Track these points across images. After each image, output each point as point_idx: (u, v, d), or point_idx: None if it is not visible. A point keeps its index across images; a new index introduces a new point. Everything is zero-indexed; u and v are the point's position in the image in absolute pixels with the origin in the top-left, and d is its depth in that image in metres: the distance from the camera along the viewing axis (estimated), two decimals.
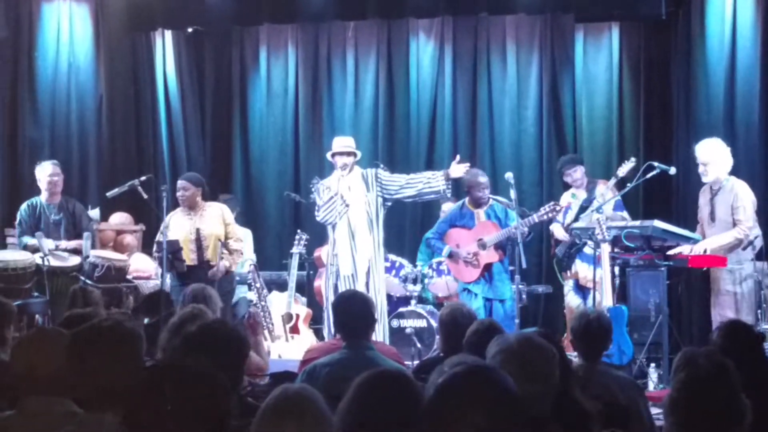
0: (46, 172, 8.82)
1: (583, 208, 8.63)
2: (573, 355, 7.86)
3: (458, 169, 8.10)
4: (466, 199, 8.77)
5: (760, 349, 4.36)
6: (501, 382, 2.65)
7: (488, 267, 8.51)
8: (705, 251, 7.73)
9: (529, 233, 8.47)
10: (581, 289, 8.63)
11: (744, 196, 7.82)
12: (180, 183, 8.62)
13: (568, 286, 8.78)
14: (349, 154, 8.42)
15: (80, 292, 6.24)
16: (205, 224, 8.47)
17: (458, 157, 8.28)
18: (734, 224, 7.80)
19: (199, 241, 8.39)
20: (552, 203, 8.41)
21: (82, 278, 8.44)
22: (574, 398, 3.35)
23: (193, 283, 7.89)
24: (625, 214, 8.55)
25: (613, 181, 8.58)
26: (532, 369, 3.17)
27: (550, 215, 8.33)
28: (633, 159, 8.60)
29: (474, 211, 8.67)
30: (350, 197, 8.32)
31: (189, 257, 8.35)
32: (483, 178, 8.66)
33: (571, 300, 8.69)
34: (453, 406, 2.60)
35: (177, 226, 8.46)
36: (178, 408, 2.60)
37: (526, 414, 2.66)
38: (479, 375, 2.67)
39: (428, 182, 8.17)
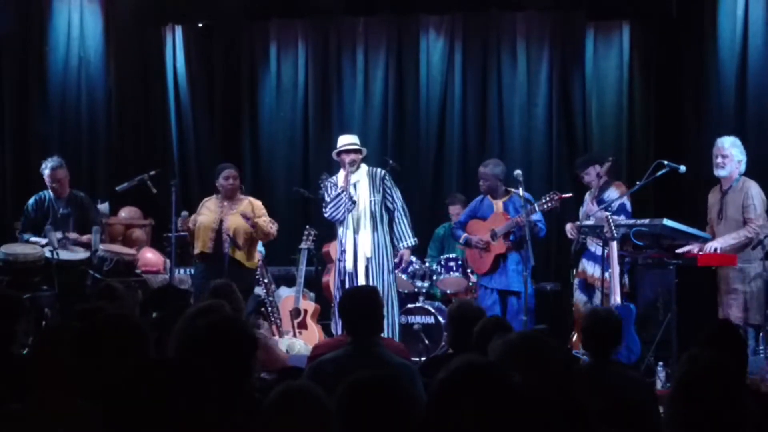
0: (49, 170, 8.73)
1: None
2: (580, 353, 7.89)
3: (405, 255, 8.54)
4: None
5: (743, 352, 4.34)
6: (498, 377, 2.64)
7: (501, 258, 8.46)
8: (716, 250, 7.70)
9: (542, 228, 8.40)
10: (587, 288, 8.58)
11: (755, 194, 7.80)
12: (230, 171, 8.48)
13: (576, 283, 8.74)
14: (356, 151, 8.41)
15: (106, 288, 6.19)
16: (232, 218, 8.34)
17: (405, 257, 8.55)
18: (744, 223, 7.78)
19: (219, 233, 8.29)
20: (552, 192, 8.27)
21: (91, 272, 8.44)
22: (574, 396, 3.33)
23: (210, 270, 7.93)
24: (622, 218, 8.23)
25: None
26: (534, 366, 3.18)
27: (550, 204, 8.19)
28: (611, 158, 8.68)
29: (493, 203, 8.63)
30: (357, 195, 8.31)
31: (207, 245, 8.28)
32: (497, 169, 8.56)
33: (578, 298, 8.64)
34: (451, 402, 2.59)
35: (207, 211, 8.41)
36: None
37: (526, 410, 2.65)
38: (476, 370, 2.65)
39: (399, 236, 8.42)
